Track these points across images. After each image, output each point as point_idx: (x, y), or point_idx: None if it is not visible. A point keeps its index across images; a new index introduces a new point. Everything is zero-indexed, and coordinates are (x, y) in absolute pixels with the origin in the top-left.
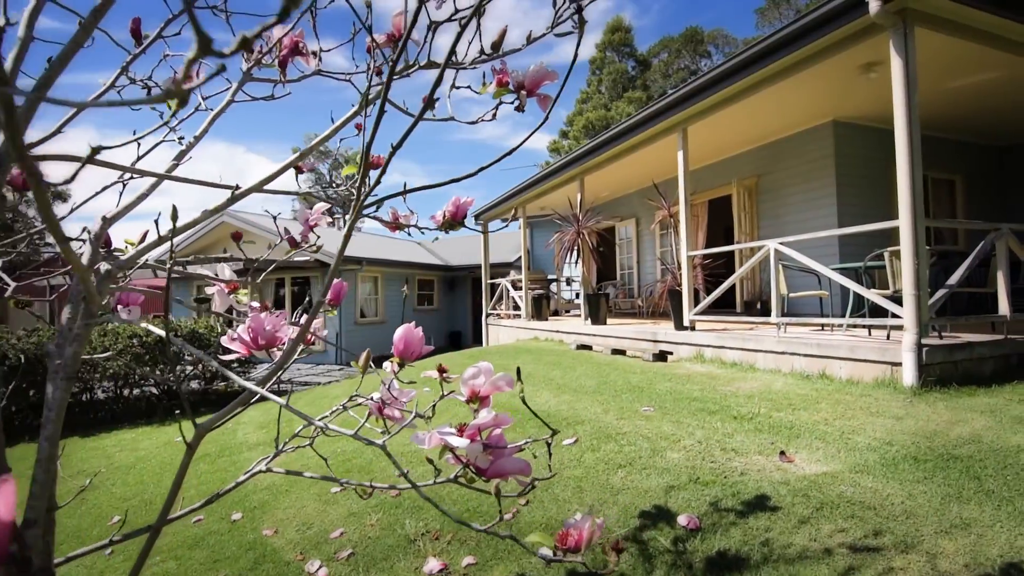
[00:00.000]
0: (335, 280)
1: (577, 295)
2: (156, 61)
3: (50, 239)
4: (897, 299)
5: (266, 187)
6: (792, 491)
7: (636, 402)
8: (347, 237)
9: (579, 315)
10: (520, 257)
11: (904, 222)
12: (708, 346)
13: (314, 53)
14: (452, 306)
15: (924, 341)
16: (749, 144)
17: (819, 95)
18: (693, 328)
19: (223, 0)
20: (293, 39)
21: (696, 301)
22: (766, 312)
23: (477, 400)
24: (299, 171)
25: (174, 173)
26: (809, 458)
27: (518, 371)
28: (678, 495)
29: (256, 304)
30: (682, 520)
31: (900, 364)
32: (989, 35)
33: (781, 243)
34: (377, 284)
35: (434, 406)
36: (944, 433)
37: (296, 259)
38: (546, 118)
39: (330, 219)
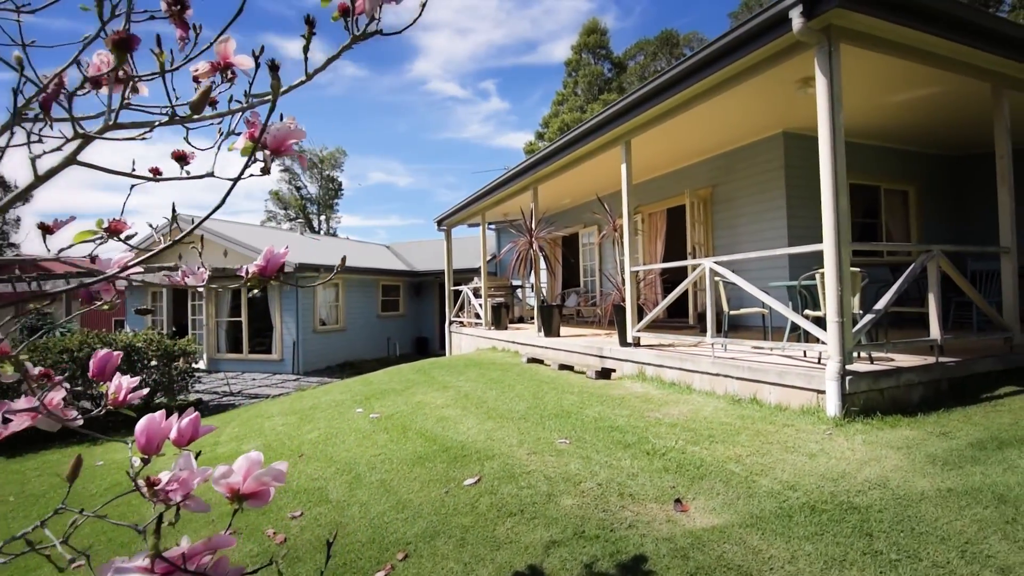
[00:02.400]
0: (103, 351)
1: (543, 301)
2: None
3: None
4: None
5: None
6: (673, 550)
7: (557, 432)
8: None
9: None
10: (488, 261)
11: (828, 246)
12: (649, 364)
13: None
14: (419, 312)
15: (850, 368)
16: (704, 154)
17: (766, 107)
18: (637, 344)
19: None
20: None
21: (640, 316)
22: (718, 325)
23: (239, 499)
24: (49, 231)
25: None
26: (705, 506)
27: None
28: (558, 552)
29: (37, 370)
30: None
31: (825, 392)
32: (919, 51)
33: (716, 262)
34: (338, 291)
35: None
36: (852, 475)
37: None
38: (244, 169)
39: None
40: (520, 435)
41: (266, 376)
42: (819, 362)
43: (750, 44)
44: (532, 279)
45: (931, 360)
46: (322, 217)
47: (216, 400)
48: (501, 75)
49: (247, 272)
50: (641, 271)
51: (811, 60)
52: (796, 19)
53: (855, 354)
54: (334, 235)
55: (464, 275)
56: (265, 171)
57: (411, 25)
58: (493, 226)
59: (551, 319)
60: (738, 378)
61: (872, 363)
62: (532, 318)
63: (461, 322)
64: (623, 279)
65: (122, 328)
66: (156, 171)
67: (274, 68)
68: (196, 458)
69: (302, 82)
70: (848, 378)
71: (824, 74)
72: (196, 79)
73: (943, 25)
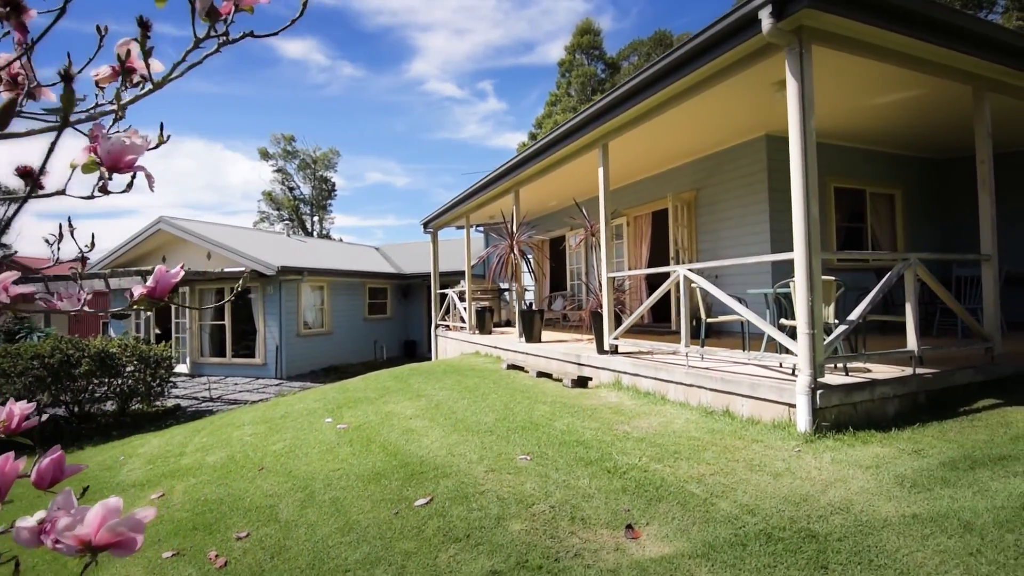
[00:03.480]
0: None
1: (530, 305)
2: None
3: None
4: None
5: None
6: None
7: (521, 447)
8: None
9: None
10: (475, 264)
11: (798, 254)
12: (626, 373)
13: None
14: (407, 314)
15: (822, 381)
16: (688, 157)
17: (748, 109)
18: (615, 352)
19: None
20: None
21: (618, 323)
22: (695, 332)
23: (92, 551)
24: None
25: None
26: (658, 533)
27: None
28: None
29: None
30: None
31: (796, 406)
32: (898, 54)
33: (691, 269)
34: (323, 293)
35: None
36: (815, 498)
37: (228, 270)
38: (33, 188)
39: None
40: (482, 450)
41: (248, 381)
42: (793, 373)
43: (722, 45)
44: (524, 281)
45: (908, 372)
46: (315, 218)
47: (195, 406)
48: (498, 75)
49: (130, 295)
50: (619, 277)
51: (783, 62)
52: (765, 20)
53: (832, 365)
54: (327, 236)
55: (452, 278)
56: (103, 191)
57: (288, 27)
58: (481, 228)
59: (532, 325)
60: (712, 389)
61: (848, 375)
62: None
63: (447, 326)
64: (600, 285)
65: (107, 331)
66: (40, 186)
67: (67, 79)
68: (81, 495)
69: (150, 91)
70: (819, 392)
71: (795, 77)
72: (98, 84)
73: (920, 27)
